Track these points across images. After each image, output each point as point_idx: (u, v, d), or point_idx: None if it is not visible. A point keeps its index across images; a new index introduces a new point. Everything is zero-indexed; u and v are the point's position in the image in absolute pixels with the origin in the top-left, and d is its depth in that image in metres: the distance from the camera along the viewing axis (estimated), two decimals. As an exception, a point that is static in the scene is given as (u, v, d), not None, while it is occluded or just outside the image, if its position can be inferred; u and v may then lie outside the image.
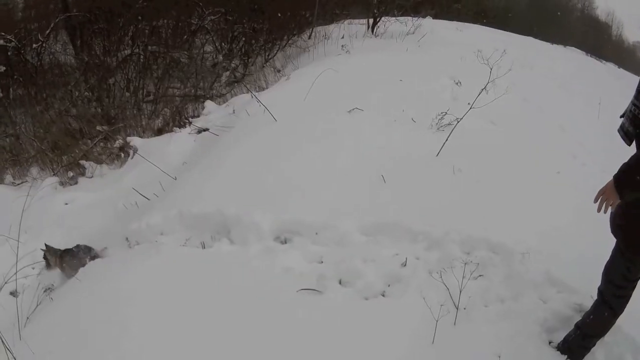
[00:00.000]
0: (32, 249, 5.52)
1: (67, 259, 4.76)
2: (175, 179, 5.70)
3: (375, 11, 11.54)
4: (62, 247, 4.95)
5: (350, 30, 11.36)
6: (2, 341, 3.08)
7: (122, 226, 5.14)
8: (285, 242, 4.26)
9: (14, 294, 4.49)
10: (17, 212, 6.84)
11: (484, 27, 15.82)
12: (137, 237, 4.71)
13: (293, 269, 3.88)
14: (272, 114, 6.04)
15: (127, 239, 4.80)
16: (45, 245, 4.87)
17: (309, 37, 11.12)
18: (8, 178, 8.00)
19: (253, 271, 3.88)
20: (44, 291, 4.52)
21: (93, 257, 4.72)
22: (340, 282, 3.72)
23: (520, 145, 5.79)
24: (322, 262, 3.98)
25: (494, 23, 18.88)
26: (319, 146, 5.50)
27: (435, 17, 14.07)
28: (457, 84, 7.44)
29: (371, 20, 11.60)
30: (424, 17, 12.57)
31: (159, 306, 3.51)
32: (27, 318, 3.75)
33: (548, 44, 15.86)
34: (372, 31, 11.54)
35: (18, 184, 7.82)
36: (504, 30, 16.39)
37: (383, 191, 4.74)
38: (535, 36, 17.02)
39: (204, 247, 4.35)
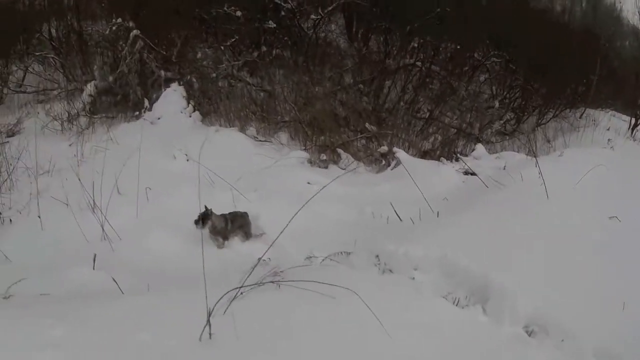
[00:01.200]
0: (259, 207, 5.64)
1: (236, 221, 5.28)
2: (438, 215, 5.45)
3: (637, 112, 11.36)
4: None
5: (614, 123, 11.30)
6: (207, 311, 2.75)
7: (370, 234, 5.09)
8: (531, 335, 3.80)
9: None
10: (254, 167, 7.07)
11: None
12: (388, 260, 4.52)
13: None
14: (547, 191, 5.72)
15: (377, 256, 4.60)
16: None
17: (580, 117, 10.85)
18: (250, 131, 8.24)
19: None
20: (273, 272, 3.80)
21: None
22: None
23: None
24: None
25: None
26: (584, 245, 4.98)
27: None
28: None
29: (632, 121, 11.45)
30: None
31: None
32: (241, 292, 3.20)
33: None
34: (632, 133, 11.29)
35: (260, 141, 8.04)
36: None
37: (621, 318, 4.10)
38: None
39: (456, 304, 3.98)
